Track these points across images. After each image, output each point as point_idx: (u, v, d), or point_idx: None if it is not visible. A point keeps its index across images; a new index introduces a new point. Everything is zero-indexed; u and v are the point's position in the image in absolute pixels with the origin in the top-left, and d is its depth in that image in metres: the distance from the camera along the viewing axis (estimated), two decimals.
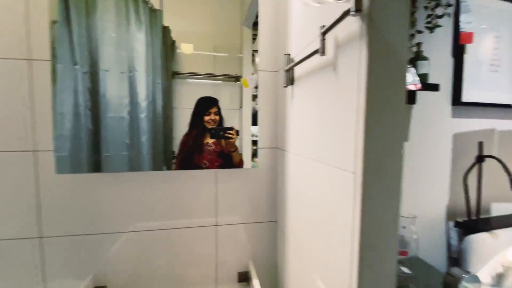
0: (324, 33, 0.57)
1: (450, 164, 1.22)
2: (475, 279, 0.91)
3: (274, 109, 1.11)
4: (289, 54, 0.87)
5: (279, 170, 1.10)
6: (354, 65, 0.49)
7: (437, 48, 1.18)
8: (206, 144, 1.05)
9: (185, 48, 1.01)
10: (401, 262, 1.11)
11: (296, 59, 0.81)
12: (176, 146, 1.02)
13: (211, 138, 1.05)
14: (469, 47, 1.20)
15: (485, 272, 1.07)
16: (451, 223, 1.24)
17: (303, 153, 0.80)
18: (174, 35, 1.00)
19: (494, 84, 1.23)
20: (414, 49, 1.09)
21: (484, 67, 1.21)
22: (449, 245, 1.25)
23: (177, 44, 1.01)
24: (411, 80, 1.01)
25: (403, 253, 1.11)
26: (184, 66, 1.02)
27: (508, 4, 1.25)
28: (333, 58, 0.58)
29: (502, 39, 1.23)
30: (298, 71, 0.83)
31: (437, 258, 1.25)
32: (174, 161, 1.02)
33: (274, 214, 1.14)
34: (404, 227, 1.10)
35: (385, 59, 0.47)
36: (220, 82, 1.05)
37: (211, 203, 1.06)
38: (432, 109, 1.20)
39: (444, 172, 1.22)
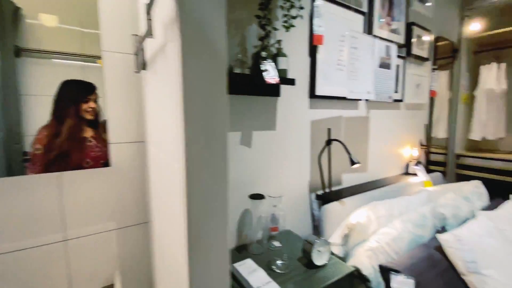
0: (148, 12, 0.50)
1: (310, 147, 1.39)
2: (325, 243, 1.06)
3: (136, 97, 0.98)
4: (137, 35, 0.77)
5: (145, 165, 0.99)
6: (174, 51, 0.44)
7: (298, 47, 1.30)
8: (86, 139, 0.84)
9: (45, 20, 0.77)
10: (272, 237, 1.20)
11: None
12: (30, 143, 0.78)
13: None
14: (321, 48, 1.37)
15: (336, 235, 1.28)
16: (313, 196, 1.43)
17: (156, 145, 0.72)
18: (20, 1, 0.75)
19: (340, 81, 1.44)
20: (276, 45, 1.16)
21: (332, 66, 1.41)
22: (313, 216, 1.43)
23: (25, 12, 0.76)
24: (272, 74, 1.07)
25: (274, 229, 1.20)
26: (42, 42, 0.78)
27: (350, 13, 1.48)
28: (163, 42, 0.52)
29: (345, 42, 1.45)
30: (147, 54, 0.74)
31: (306, 229, 1.43)
32: (28, 163, 0.78)
33: (145, 214, 1.03)
34: (274, 206, 1.19)
35: (199, 46, 0.43)
36: (98, 64, 0.86)
37: (57, 213, 0.86)
38: (295, 101, 1.32)
39: (306, 154, 1.39)
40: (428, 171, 2.13)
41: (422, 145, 2.05)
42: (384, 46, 1.38)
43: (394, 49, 1.41)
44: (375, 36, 1.42)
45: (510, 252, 1.15)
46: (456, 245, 1.09)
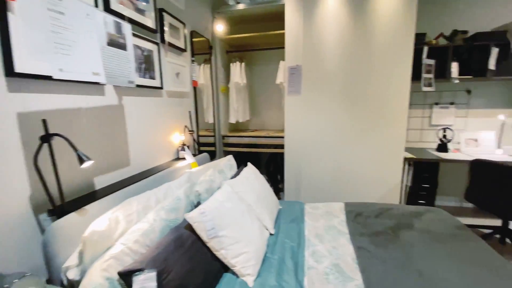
0: None
1: (23, 149, 0.97)
2: (30, 279, 0.74)
3: None
4: None
5: None
6: None
7: None
8: None
9: None
10: None
11: None
12: None
13: None
14: (16, 6, 0.94)
15: (74, 255, 0.98)
16: (44, 215, 1.03)
17: None
18: None
19: (49, 54, 0.98)
20: None
21: (44, 34, 1.00)
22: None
23: None
24: None
25: None
26: None
27: None
28: None
29: (51, 5, 1.02)
30: None
31: (37, 261, 1.01)
32: None
33: None
34: None
35: None
36: None
37: None
38: None
39: (15, 160, 0.94)
40: (200, 152, 2.33)
41: (189, 130, 2.17)
42: (112, 22, 1.18)
43: (127, 27, 1.25)
44: (88, 4, 1.10)
45: (241, 210, 1.41)
46: (200, 218, 1.16)
